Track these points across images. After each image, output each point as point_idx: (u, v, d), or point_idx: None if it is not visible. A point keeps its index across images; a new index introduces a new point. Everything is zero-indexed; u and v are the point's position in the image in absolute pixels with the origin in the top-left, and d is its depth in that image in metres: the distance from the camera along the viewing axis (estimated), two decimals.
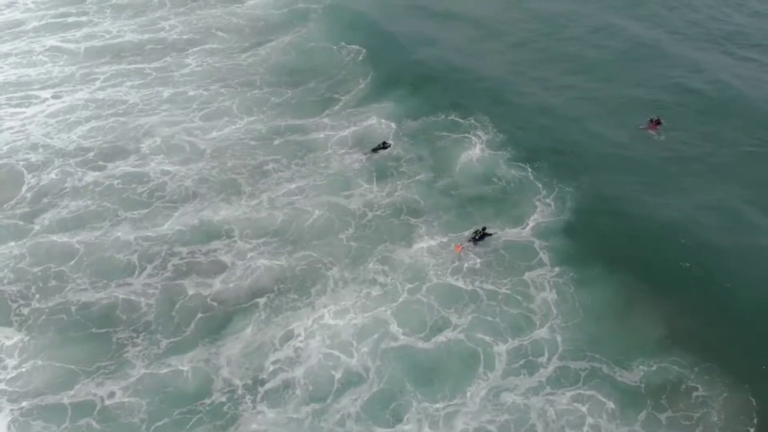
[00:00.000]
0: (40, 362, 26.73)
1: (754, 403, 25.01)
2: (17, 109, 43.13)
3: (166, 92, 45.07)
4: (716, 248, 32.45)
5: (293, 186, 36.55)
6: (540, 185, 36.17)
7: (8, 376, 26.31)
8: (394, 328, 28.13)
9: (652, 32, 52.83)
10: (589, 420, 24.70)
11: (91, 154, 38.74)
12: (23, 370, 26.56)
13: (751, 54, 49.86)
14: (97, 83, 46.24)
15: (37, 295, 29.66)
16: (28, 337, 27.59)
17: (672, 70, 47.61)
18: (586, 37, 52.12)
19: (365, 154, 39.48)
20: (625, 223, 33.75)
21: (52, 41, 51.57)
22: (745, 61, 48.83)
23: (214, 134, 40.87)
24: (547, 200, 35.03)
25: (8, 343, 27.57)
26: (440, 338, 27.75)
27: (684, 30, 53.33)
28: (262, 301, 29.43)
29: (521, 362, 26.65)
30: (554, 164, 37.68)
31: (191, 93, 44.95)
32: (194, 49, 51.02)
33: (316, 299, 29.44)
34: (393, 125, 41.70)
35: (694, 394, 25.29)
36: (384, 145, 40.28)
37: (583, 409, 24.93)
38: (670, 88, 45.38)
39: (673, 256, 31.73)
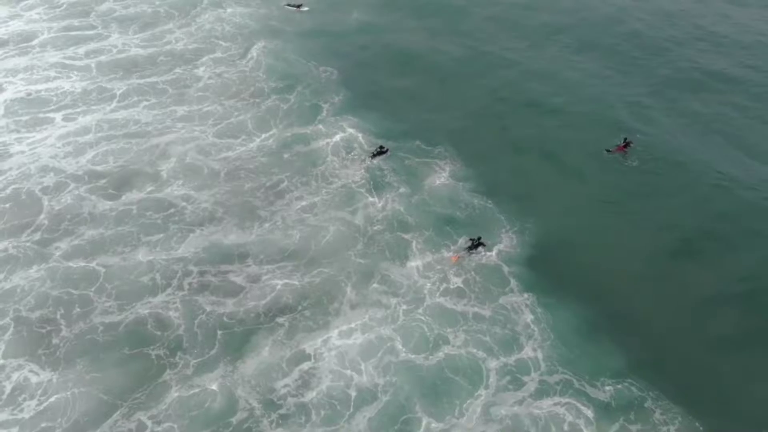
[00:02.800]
0: (68, 394, 26.40)
1: (701, 429, 26.13)
2: (29, 131, 41.75)
3: (180, 111, 44.67)
4: (673, 280, 32.73)
5: (305, 203, 36.77)
6: (503, 218, 35.96)
7: (28, 416, 25.79)
8: (398, 346, 28.69)
9: (617, 67, 52.34)
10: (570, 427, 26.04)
11: (105, 180, 37.84)
12: (49, 404, 26.13)
13: (719, 85, 49.58)
14: (114, 102, 45.15)
15: (64, 322, 29.27)
16: (55, 373, 27.06)
17: (639, 100, 47.43)
18: (556, 72, 51.36)
19: (365, 161, 40.00)
20: (585, 255, 33.86)
21: (61, 57, 50.22)
22: (713, 92, 48.66)
23: (228, 153, 40.81)
24: (510, 234, 34.99)
25: (35, 379, 26.97)
26: (440, 355, 28.36)
27: (647, 61, 53.07)
28: (281, 320, 29.78)
29: (509, 378, 27.59)
30: (515, 198, 37.41)
31: (207, 108, 45.03)
32: (202, 59, 50.97)
33: (329, 319, 29.87)
34: (371, 138, 41.93)
35: (658, 412, 26.44)
36: (381, 150, 40.66)
37: (564, 416, 26.20)
38: (638, 117, 45.17)
39: (630, 286, 32.23)
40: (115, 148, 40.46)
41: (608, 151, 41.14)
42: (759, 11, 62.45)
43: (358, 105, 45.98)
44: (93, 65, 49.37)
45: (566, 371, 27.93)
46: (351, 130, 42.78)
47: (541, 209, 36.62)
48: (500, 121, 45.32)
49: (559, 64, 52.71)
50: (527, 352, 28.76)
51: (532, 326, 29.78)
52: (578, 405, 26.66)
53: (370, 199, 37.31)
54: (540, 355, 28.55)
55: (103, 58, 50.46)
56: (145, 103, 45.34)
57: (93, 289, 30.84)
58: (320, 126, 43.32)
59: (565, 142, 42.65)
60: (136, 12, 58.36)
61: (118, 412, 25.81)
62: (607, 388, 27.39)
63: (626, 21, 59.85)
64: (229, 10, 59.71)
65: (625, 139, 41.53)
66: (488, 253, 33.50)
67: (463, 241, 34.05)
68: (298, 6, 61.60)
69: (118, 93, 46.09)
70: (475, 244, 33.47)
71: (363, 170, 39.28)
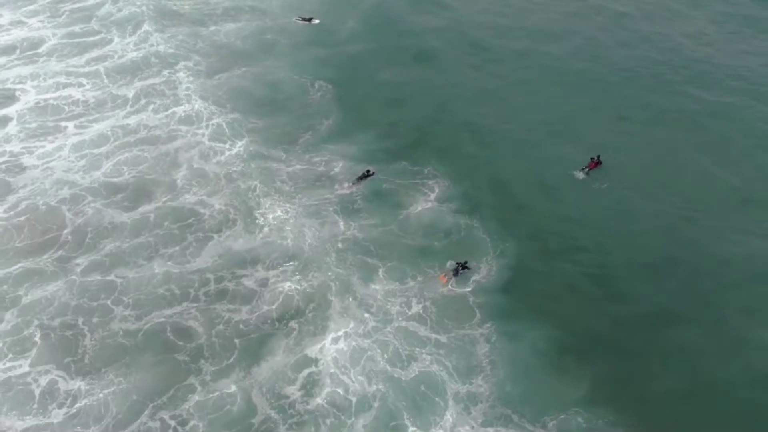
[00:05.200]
0: (101, 397, 28.19)
1: None
2: (43, 140, 42.74)
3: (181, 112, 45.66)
4: (641, 310, 33.07)
5: (279, 211, 37.86)
6: (488, 241, 35.96)
7: (56, 420, 27.59)
8: (377, 357, 30.04)
9: (593, 91, 51.39)
10: None
11: (123, 192, 39.26)
12: (77, 409, 27.93)
13: (694, 109, 48.61)
14: (126, 107, 46.20)
15: (88, 331, 30.91)
16: (83, 381, 28.77)
17: (616, 123, 47.10)
18: (551, 91, 50.78)
19: (351, 183, 39.76)
20: (557, 283, 34.27)
21: (68, 63, 50.80)
22: (687, 117, 47.81)
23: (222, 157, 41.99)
24: (488, 259, 34.98)
25: (66, 387, 28.74)
26: (414, 370, 29.72)
27: (622, 80, 52.41)
28: (292, 323, 31.58)
29: (467, 401, 28.76)
30: (502, 220, 37.43)
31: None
32: (181, 64, 51.22)
33: (327, 324, 31.55)
34: (353, 166, 41.28)
35: None
36: (368, 173, 40.20)
37: None
38: (612, 138, 44.91)
39: (598, 315, 32.63)
40: (129, 156, 41.76)
41: (583, 169, 41.78)
42: (738, 30, 60.41)
43: (349, 126, 45.33)
44: (101, 70, 50.06)
45: (508, 408, 28.69)
46: (332, 156, 42.56)
47: (517, 236, 36.78)
48: (488, 143, 44.94)
49: (543, 94, 51.02)
50: (478, 383, 29.49)
51: (485, 361, 30.26)
52: None
53: (337, 217, 38.02)
54: (488, 389, 29.23)
55: (108, 63, 51.07)
56: (152, 105, 46.40)
57: (111, 300, 32.68)
58: (298, 147, 43.27)
59: (542, 166, 42.70)
60: (131, 13, 58.49)
61: (144, 414, 27.83)
62: (551, 424, 27.79)
63: (602, 45, 58.34)
64: (212, 27, 58.11)
65: (599, 156, 42.29)
66: (459, 290, 33.64)
67: (449, 264, 34.81)
68: (309, 19, 59.04)
69: (129, 96, 47.25)
70: (461, 267, 34.34)
71: (350, 190, 39.62)
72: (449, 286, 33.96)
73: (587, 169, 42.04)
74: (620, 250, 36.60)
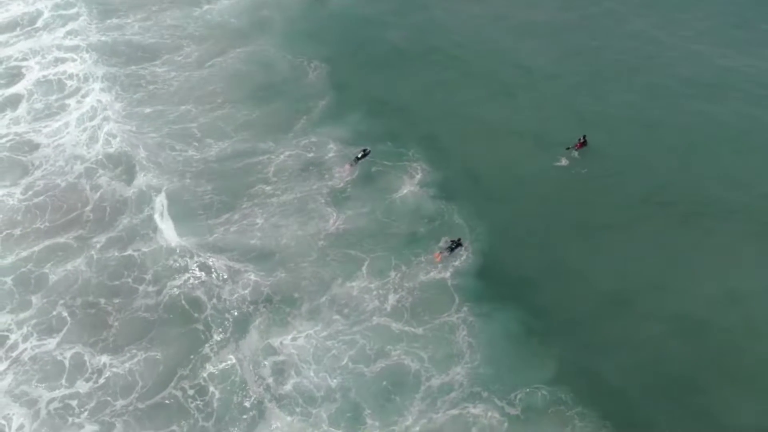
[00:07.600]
0: (127, 368, 29.95)
1: None
2: (49, 117, 43.52)
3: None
4: (615, 294, 33.38)
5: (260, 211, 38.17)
6: (465, 226, 36.11)
7: (83, 391, 29.30)
8: (343, 355, 30.49)
9: (584, 68, 51.27)
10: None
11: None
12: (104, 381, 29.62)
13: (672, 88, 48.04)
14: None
15: (113, 310, 32.29)
16: (109, 357, 30.35)
17: (603, 104, 46.23)
18: (540, 77, 50.25)
19: (350, 165, 39.78)
20: (529, 268, 34.67)
21: (58, 38, 50.87)
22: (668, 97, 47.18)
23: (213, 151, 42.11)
24: (466, 245, 35.06)
25: (94, 360, 30.34)
26: (379, 366, 30.16)
27: (611, 66, 51.64)
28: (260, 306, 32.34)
29: (437, 391, 29.43)
30: (479, 204, 37.54)
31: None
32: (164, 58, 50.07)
33: (298, 314, 32.30)
34: (344, 149, 41.17)
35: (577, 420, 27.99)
36: (365, 152, 39.86)
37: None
38: (599, 122, 44.54)
39: (572, 299, 33.13)
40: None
41: (569, 149, 42.08)
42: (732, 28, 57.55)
43: (342, 108, 44.97)
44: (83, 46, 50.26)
45: (479, 386, 29.60)
46: (324, 139, 42.60)
47: (493, 220, 37.08)
48: (470, 129, 44.48)
49: (527, 86, 50.07)
50: (456, 370, 30.20)
51: (464, 345, 31.02)
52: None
53: (328, 209, 38.27)
54: (464, 373, 30.03)
55: (92, 39, 51.26)
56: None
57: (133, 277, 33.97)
58: (291, 137, 42.91)
59: (521, 152, 42.58)
60: None
61: (171, 384, 29.52)
62: (519, 398, 28.83)
63: (590, 38, 56.77)
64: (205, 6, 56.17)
65: (584, 136, 42.56)
66: (438, 276, 34.34)
67: (443, 242, 35.53)
68: None
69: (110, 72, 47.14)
70: (455, 244, 35.23)
71: (350, 172, 39.65)
72: (440, 265, 34.47)
73: (575, 150, 41.91)
74: (592, 238, 37.16)
